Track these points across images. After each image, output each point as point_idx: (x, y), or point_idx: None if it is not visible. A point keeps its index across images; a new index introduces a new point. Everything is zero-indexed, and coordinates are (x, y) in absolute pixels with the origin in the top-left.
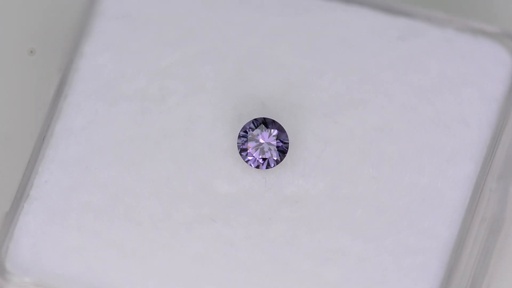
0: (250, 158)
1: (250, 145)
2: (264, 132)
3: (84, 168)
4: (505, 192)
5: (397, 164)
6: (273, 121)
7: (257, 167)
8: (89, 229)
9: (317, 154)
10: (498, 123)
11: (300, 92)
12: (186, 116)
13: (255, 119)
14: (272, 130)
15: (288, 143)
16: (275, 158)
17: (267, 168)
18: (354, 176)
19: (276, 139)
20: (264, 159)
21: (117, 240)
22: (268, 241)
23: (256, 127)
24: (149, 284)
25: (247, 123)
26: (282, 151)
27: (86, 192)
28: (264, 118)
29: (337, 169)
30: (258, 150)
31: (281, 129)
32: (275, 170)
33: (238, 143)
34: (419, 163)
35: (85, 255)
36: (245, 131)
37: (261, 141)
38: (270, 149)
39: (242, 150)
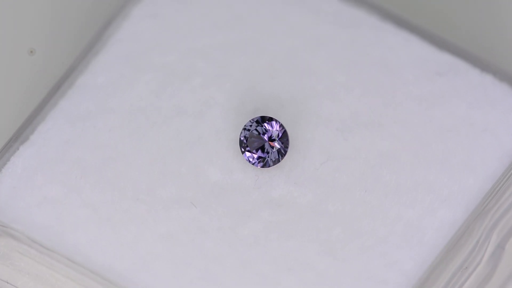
0: (248, 153)
1: (252, 140)
2: (268, 131)
3: (89, 125)
4: (500, 248)
5: (391, 193)
6: (279, 123)
7: (254, 164)
8: (72, 185)
9: (317, 165)
10: (503, 176)
11: (322, 102)
12: (203, 99)
13: (262, 116)
14: (275, 130)
15: (287, 147)
16: (273, 159)
17: (263, 167)
18: (345, 195)
19: (278, 141)
20: (262, 158)
21: (95, 203)
22: (238, 237)
23: (262, 124)
24: (110, 251)
25: (254, 118)
26: (281, 154)
27: (81, 149)
28: (271, 117)
29: (331, 185)
30: (258, 147)
31: (285, 133)
32: (271, 170)
33: (240, 136)
34: (412, 197)
35: (59, 209)
36: (250, 126)
37: (264, 139)
38: (270, 149)
39: (242, 144)
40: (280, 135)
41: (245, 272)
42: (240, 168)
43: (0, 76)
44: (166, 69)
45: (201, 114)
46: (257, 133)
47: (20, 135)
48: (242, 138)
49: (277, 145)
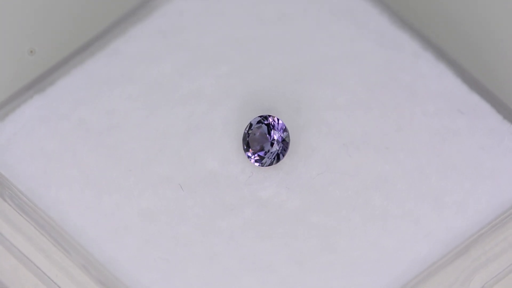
0: (249, 149)
1: (254, 138)
2: (272, 131)
3: (106, 90)
4: None
5: (377, 217)
6: (284, 126)
7: (252, 161)
8: (70, 144)
9: (313, 174)
10: (493, 223)
11: (337, 115)
12: (224, 88)
13: (270, 116)
14: (278, 132)
15: (286, 151)
16: (271, 159)
17: (261, 165)
18: (332, 210)
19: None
20: (260, 156)
21: (86, 165)
22: (215, 228)
23: (268, 123)
24: (87, 215)
25: (262, 115)
26: (278, 156)
27: (91, 112)
28: (278, 119)
29: (321, 196)
30: (259, 145)
31: (287, 136)
32: (268, 170)
33: (244, 130)
34: (396, 226)
35: (51, 163)
36: (257, 123)
37: (268, 138)
38: (269, 149)
39: (245, 139)
40: (282, 137)
41: (210, 263)
42: (238, 162)
43: (0, 76)
44: (197, 52)
45: (217, 102)
46: (261, 131)
47: (37, 85)
48: (245, 133)
49: (276, 146)
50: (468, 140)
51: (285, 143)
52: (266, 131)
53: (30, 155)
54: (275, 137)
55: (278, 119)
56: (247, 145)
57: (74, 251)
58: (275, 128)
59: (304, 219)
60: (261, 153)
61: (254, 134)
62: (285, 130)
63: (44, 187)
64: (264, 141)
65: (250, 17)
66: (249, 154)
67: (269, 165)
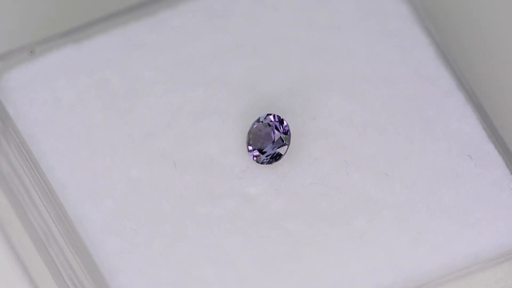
0: (250, 145)
1: (258, 134)
2: (275, 132)
3: (136, 57)
4: None
5: (353, 240)
6: (289, 130)
7: (254, 157)
8: (83, 100)
9: (306, 183)
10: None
11: (349, 132)
12: (248, 80)
13: (279, 116)
14: (280, 134)
15: (283, 154)
16: (267, 159)
17: (258, 162)
18: (313, 221)
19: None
20: (259, 153)
21: (91, 123)
22: (193, 212)
23: (276, 123)
24: (73, 169)
25: (271, 114)
26: (275, 158)
27: (115, 74)
28: (284, 120)
29: (306, 206)
30: (260, 142)
31: (287, 139)
32: (264, 168)
33: (252, 125)
34: (367, 251)
35: (57, 114)
36: (264, 118)
37: (271, 136)
38: (269, 149)
39: (249, 133)
40: (282, 140)
41: (176, 244)
42: (238, 154)
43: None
44: (237, 39)
45: (238, 92)
46: (266, 129)
47: (75, 34)
48: (252, 128)
49: (276, 147)
50: (468, 186)
51: (284, 146)
52: (270, 130)
53: (43, 100)
54: (276, 138)
55: (283, 121)
56: (250, 140)
57: (50, 202)
58: (279, 129)
59: (282, 223)
60: (262, 150)
61: (259, 130)
62: (287, 133)
63: (43, 135)
64: (266, 139)
65: (300, 18)
66: (250, 148)
67: (267, 163)
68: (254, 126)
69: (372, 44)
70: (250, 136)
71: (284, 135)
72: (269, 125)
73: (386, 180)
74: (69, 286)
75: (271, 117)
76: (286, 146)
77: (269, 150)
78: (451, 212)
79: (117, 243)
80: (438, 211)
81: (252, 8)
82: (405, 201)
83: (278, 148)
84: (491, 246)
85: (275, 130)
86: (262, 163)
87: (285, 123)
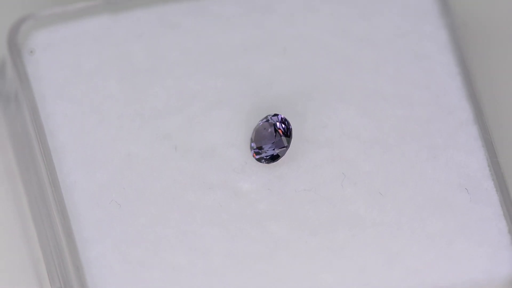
0: (253, 141)
1: (261, 134)
2: (278, 133)
3: (167, 36)
4: None
5: (330, 251)
6: (291, 134)
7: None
8: (105, 71)
9: (299, 188)
10: None
11: (355, 148)
12: (270, 79)
13: (286, 119)
14: (281, 136)
15: (280, 157)
16: (264, 158)
17: (259, 161)
18: (296, 227)
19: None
20: (259, 151)
21: (104, 94)
22: (179, 197)
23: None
24: (74, 133)
25: (279, 115)
26: (272, 159)
27: (143, 49)
28: (289, 123)
29: (294, 211)
30: (260, 140)
31: (288, 142)
32: (262, 167)
33: (259, 122)
34: (340, 265)
35: (74, 80)
36: (271, 118)
37: (269, 136)
38: (269, 149)
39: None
40: (282, 141)
41: (156, 225)
42: (240, 148)
43: None
44: (266, 37)
45: (256, 88)
46: (270, 129)
47: (113, 5)
48: (258, 124)
49: (276, 148)
50: (457, 218)
51: (283, 148)
52: (273, 131)
53: (64, 64)
54: (277, 139)
55: (288, 123)
56: (253, 136)
57: (47, 164)
58: (282, 130)
59: (265, 223)
60: (261, 148)
61: (264, 129)
62: (289, 135)
63: (55, 97)
64: (268, 138)
65: (337, 27)
66: (252, 145)
67: (265, 162)
68: (260, 123)
69: (401, 64)
70: (254, 133)
71: (285, 138)
72: (274, 125)
73: (378, 198)
74: (52, 249)
75: (277, 118)
76: (285, 148)
77: (269, 150)
78: (434, 240)
79: (98, 214)
80: (422, 237)
81: (292, 9)
82: (392, 222)
83: (278, 149)
84: (464, 281)
85: (278, 131)
86: (260, 161)
87: (290, 126)
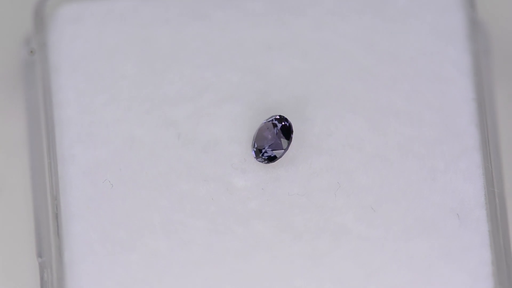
0: (254, 141)
1: (262, 135)
2: (279, 134)
3: (195, 25)
4: None
5: (308, 259)
6: (292, 137)
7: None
8: (126, 49)
9: (292, 192)
10: None
11: (355, 158)
12: (287, 78)
13: (289, 122)
14: (281, 139)
15: (276, 158)
16: (261, 158)
17: (257, 160)
18: (280, 230)
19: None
20: (258, 149)
21: (119, 74)
22: (172, 185)
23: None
24: (84, 113)
25: (284, 117)
26: (270, 159)
27: (167, 35)
28: (291, 126)
29: (282, 213)
30: (260, 140)
31: (286, 144)
32: (260, 165)
33: (263, 121)
34: (315, 274)
35: (94, 55)
36: (276, 119)
37: (269, 137)
38: (268, 150)
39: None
40: (280, 143)
41: (143, 209)
42: (242, 145)
43: (0, 76)
44: (290, 39)
45: (270, 87)
46: (273, 130)
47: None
48: (263, 123)
49: (271, 151)
50: (442, 242)
51: (281, 151)
52: (275, 132)
53: (87, 40)
54: (275, 141)
55: (290, 126)
56: (255, 135)
57: (45, 132)
58: (283, 133)
59: (251, 222)
60: (261, 148)
61: (267, 129)
62: (289, 138)
63: (70, 71)
64: (267, 139)
65: (363, 38)
66: (254, 143)
67: (263, 162)
68: (263, 123)
69: (419, 83)
70: (256, 132)
71: (284, 140)
72: (276, 126)
73: (369, 213)
74: (42, 219)
75: (280, 120)
76: (283, 151)
77: (267, 150)
78: (415, 262)
79: (88, 191)
80: (404, 257)
81: (323, 14)
82: (377, 238)
83: (276, 150)
84: None
85: (278, 133)
86: (258, 160)
87: (291, 129)
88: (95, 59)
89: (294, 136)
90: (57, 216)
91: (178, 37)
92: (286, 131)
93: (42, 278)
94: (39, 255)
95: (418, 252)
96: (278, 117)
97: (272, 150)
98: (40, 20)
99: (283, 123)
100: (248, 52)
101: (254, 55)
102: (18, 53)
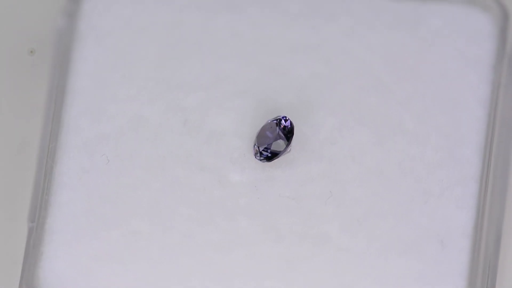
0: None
1: (263, 134)
2: (280, 135)
3: (216, 16)
4: None
5: (288, 263)
6: (292, 140)
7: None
8: (148, 36)
9: (285, 194)
10: None
11: (353, 171)
12: (297, 77)
13: (291, 122)
14: (282, 140)
15: (273, 158)
16: (258, 157)
17: (256, 157)
18: (264, 231)
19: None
20: (258, 148)
21: (132, 56)
22: (166, 170)
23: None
24: (91, 94)
25: (288, 119)
26: (267, 159)
27: (185, 26)
28: (292, 127)
29: (270, 214)
30: (262, 138)
31: (285, 146)
32: (258, 163)
33: (268, 120)
34: (293, 278)
35: (117, 34)
36: (280, 121)
37: (270, 136)
38: (265, 148)
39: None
40: (278, 144)
41: (131, 189)
42: (245, 140)
43: (0, 76)
44: (314, 43)
45: (284, 88)
46: (274, 130)
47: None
48: (267, 122)
49: (269, 150)
50: (419, 266)
51: (279, 151)
52: (277, 132)
53: (117, 16)
54: (275, 140)
55: (291, 129)
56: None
57: (55, 99)
58: (284, 134)
59: (237, 218)
60: (261, 146)
61: (271, 127)
62: (288, 139)
63: (93, 43)
64: (268, 138)
65: (390, 53)
66: (255, 140)
67: (261, 160)
68: (268, 122)
69: (434, 106)
70: (259, 130)
71: (284, 142)
72: (278, 127)
73: (354, 226)
74: (37, 185)
75: (283, 121)
76: (281, 152)
77: (266, 149)
78: (389, 280)
79: (84, 163)
80: (379, 274)
81: (355, 24)
82: (357, 252)
83: (274, 150)
84: None
85: (279, 133)
86: (256, 157)
87: (292, 131)
88: (121, 36)
89: (298, 139)
90: (48, 183)
91: (206, 26)
92: (288, 132)
93: (27, 243)
94: (31, 219)
95: (394, 271)
96: (282, 117)
97: (270, 150)
98: None
99: (285, 124)
100: (272, 50)
101: (277, 54)
102: (53, 20)
